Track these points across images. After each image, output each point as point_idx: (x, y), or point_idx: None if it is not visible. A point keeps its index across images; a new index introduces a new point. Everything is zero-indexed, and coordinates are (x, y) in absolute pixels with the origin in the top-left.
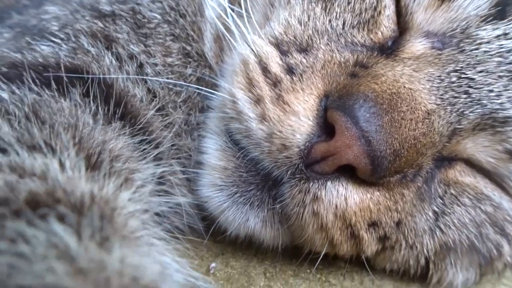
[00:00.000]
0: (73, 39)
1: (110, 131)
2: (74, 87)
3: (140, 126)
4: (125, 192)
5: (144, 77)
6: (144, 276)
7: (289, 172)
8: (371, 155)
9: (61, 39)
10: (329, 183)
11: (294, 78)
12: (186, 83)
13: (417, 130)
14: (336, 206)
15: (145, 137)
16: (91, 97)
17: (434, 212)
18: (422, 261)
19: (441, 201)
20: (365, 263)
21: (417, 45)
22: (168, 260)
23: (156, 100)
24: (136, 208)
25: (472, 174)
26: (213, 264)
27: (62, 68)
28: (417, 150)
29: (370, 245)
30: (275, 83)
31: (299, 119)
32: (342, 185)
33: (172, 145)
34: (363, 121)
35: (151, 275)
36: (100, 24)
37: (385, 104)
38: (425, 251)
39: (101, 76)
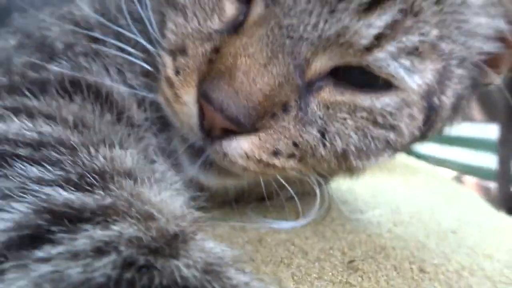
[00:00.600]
0: None
1: None
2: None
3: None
4: None
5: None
6: None
7: (203, 142)
8: (229, 118)
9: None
10: (223, 141)
11: (180, 76)
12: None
13: (261, 84)
14: (239, 154)
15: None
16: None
17: (319, 131)
18: (332, 165)
19: (321, 121)
20: None
21: (257, 9)
22: None
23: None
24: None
25: (340, 91)
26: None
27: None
28: (269, 97)
29: (286, 164)
30: (171, 84)
31: (190, 107)
32: (232, 139)
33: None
34: (215, 96)
35: None
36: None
37: (227, 76)
38: (325, 158)
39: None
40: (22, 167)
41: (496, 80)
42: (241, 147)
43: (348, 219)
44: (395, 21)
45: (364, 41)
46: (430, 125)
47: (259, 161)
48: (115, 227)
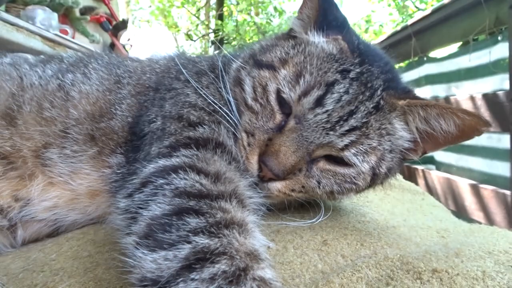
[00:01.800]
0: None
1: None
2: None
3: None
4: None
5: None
6: None
7: (258, 181)
8: (274, 174)
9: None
10: (269, 183)
11: (249, 148)
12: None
13: (290, 160)
14: (275, 189)
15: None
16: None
17: (317, 181)
18: (323, 196)
19: (318, 177)
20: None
21: (291, 122)
22: None
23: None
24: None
25: (328, 163)
26: (270, 244)
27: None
28: (293, 166)
29: (298, 195)
30: (245, 149)
31: (253, 164)
32: (273, 182)
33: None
34: (268, 164)
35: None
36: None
37: (274, 155)
38: (323, 194)
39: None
40: (188, 218)
41: (415, 157)
42: (276, 186)
43: (340, 220)
44: (355, 140)
45: (339, 146)
46: (374, 181)
47: (284, 193)
48: (220, 264)
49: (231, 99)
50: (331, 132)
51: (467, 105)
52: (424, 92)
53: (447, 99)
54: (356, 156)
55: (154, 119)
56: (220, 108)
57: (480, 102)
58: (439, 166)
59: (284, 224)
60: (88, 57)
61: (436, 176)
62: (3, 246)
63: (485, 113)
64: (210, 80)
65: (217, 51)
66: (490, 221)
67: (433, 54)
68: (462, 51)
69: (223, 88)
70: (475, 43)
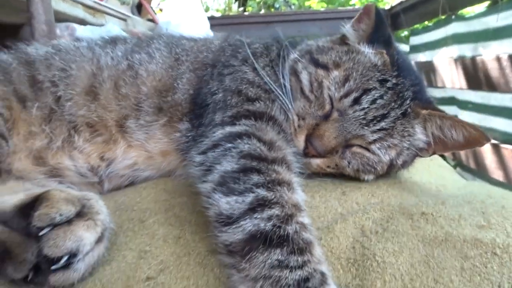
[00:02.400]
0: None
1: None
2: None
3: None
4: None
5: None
6: None
7: (303, 156)
8: (317, 152)
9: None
10: (311, 159)
11: (299, 129)
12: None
13: (331, 143)
14: (315, 164)
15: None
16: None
17: (348, 162)
18: (350, 174)
19: (349, 158)
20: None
21: (335, 113)
22: None
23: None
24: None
25: (360, 149)
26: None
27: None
28: (333, 148)
29: (331, 170)
30: (295, 130)
31: (300, 142)
32: (314, 159)
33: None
34: (314, 144)
35: None
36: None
37: (319, 137)
38: (351, 172)
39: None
40: (252, 175)
41: (426, 156)
42: (316, 162)
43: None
44: (381, 137)
45: (369, 140)
46: (391, 170)
47: (321, 168)
48: (275, 210)
49: (287, 84)
50: (366, 128)
51: (493, 66)
52: (451, 52)
53: (473, 59)
54: (380, 149)
55: (216, 92)
56: (275, 89)
57: (505, 63)
58: None
59: (317, 180)
60: (150, 38)
61: None
62: None
63: (509, 74)
64: (266, 63)
65: (241, 8)
66: (509, 180)
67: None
68: (490, 10)
69: (280, 73)
70: (504, 3)
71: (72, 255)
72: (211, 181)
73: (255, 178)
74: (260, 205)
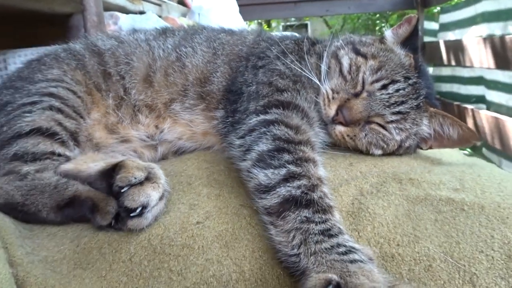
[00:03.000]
0: None
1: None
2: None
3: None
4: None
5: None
6: None
7: (331, 123)
8: (345, 120)
9: None
10: (337, 125)
11: (332, 100)
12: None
13: (357, 116)
14: (339, 131)
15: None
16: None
17: (365, 134)
18: (363, 147)
19: (367, 131)
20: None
21: (364, 93)
22: None
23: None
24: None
25: (378, 127)
26: None
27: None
28: (357, 120)
29: (349, 140)
30: (328, 100)
31: (332, 110)
32: (340, 126)
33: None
34: (344, 113)
35: None
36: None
37: (349, 109)
38: (364, 144)
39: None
40: (283, 154)
41: (424, 147)
42: (340, 129)
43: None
44: (398, 119)
45: (388, 120)
46: (398, 150)
47: (342, 136)
48: (303, 181)
49: (323, 66)
50: (387, 108)
51: None
52: (480, 31)
53: (502, 38)
54: (395, 129)
55: (250, 84)
56: (308, 73)
57: None
58: (490, 105)
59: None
60: (193, 31)
61: (484, 116)
62: (152, 158)
63: None
64: (295, 58)
65: None
66: None
67: None
68: None
69: (308, 65)
70: None
71: (144, 207)
72: (250, 159)
73: (286, 156)
74: (291, 177)
